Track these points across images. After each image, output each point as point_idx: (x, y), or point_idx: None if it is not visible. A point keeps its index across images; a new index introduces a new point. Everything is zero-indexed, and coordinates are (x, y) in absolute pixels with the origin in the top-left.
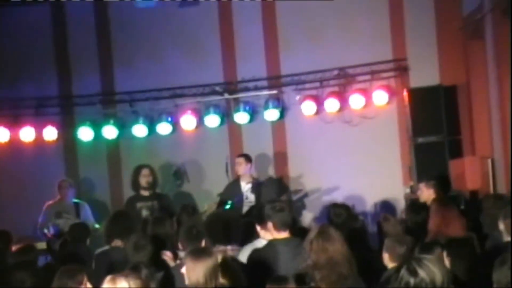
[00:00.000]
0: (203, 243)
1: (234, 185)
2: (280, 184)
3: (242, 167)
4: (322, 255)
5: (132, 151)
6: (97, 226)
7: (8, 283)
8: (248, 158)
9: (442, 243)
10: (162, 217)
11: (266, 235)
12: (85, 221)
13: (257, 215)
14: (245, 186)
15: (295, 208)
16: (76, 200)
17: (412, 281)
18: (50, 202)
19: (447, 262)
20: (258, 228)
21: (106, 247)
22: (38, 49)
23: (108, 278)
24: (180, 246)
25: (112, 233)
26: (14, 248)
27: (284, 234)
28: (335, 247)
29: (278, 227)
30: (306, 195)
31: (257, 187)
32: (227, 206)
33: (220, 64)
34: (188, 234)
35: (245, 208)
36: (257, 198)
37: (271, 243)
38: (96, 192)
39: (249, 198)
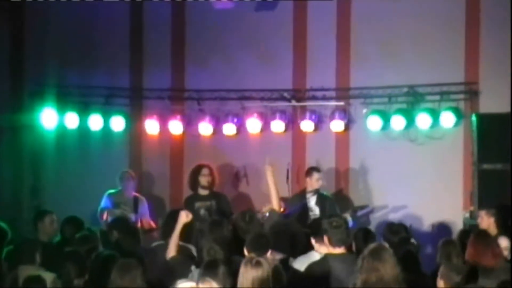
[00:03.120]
0: (269, 253)
1: (300, 196)
2: (345, 199)
3: (319, 183)
4: (372, 274)
5: (195, 149)
6: (152, 224)
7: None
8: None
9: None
10: (220, 221)
11: (321, 249)
12: (142, 216)
13: (314, 228)
14: (311, 198)
15: (359, 224)
16: (135, 194)
17: None
18: (112, 191)
19: None
20: (313, 241)
21: (161, 242)
22: (113, 41)
23: (201, 278)
24: (245, 252)
25: (169, 231)
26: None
27: (339, 250)
28: (386, 267)
29: (333, 243)
30: (372, 211)
31: (322, 200)
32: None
33: (290, 70)
34: (256, 242)
35: (309, 220)
36: (322, 211)
37: (326, 258)
38: (155, 188)
39: (314, 211)
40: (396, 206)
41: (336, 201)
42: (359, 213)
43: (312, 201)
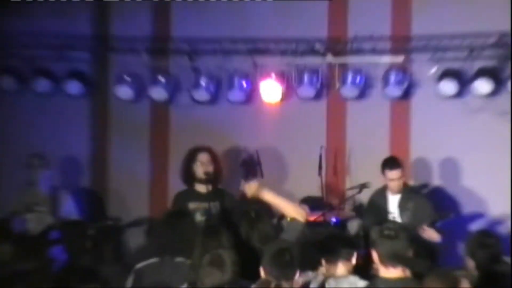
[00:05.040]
0: (297, 275)
1: (380, 196)
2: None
3: (397, 184)
4: None
5: (186, 125)
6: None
7: None
8: (401, 166)
9: None
10: (217, 229)
11: (329, 271)
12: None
13: (327, 244)
14: (393, 199)
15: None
16: (54, 187)
17: None
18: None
19: None
20: (323, 261)
21: (155, 260)
22: None
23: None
24: (262, 273)
25: (169, 243)
26: None
27: (393, 272)
28: None
29: (384, 260)
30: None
31: (405, 199)
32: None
33: (324, 13)
34: (277, 259)
35: None
36: (402, 214)
37: (374, 283)
38: (128, 182)
39: (395, 215)
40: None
41: (428, 204)
42: (440, 223)
43: (394, 202)
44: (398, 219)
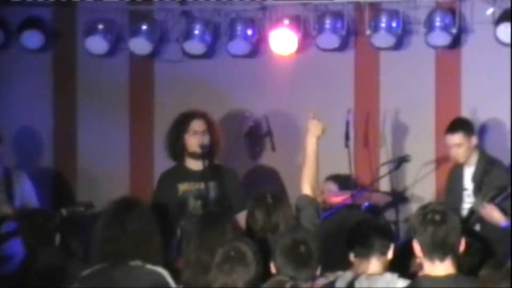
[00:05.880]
0: (318, 271)
1: (458, 169)
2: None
3: (460, 153)
4: None
5: (175, 87)
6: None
7: None
8: (464, 129)
9: None
10: (219, 215)
11: (360, 267)
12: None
13: (354, 233)
14: (468, 172)
15: None
16: (6, 167)
17: None
18: None
19: None
20: (351, 255)
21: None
22: None
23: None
24: (273, 269)
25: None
26: None
27: (439, 268)
28: None
29: (427, 252)
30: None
31: (479, 172)
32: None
33: None
34: (290, 253)
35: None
36: (477, 190)
37: (417, 283)
38: (99, 154)
39: (469, 191)
40: None
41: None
42: (498, 199)
43: (467, 176)
44: (471, 197)
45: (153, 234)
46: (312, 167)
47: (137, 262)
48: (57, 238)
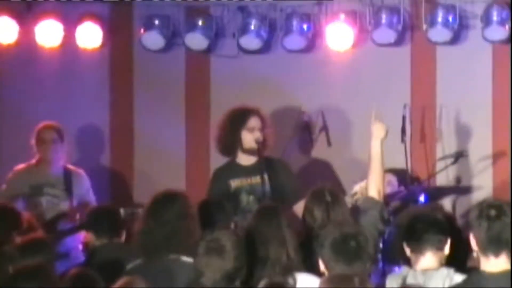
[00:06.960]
0: (372, 266)
1: None
2: None
3: None
4: None
5: (231, 82)
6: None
7: None
8: None
9: None
10: (274, 208)
11: (418, 263)
12: (81, 201)
13: (408, 228)
14: None
15: None
16: (68, 166)
17: None
18: (21, 166)
19: None
20: (407, 250)
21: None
22: None
23: None
24: (322, 266)
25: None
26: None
27: (496, 264)
28: None
29: (482, 248)
30: None
31: None
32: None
33: None
34: (339, 248)
35: None
36: None
37: (472, 279)
38: (156, 152)
39: None
40: None
41: None
42: None
43: None
44: None
45: (191, 227)
46: (377, 170)
47: (175, 255)
48: (123, 234)
